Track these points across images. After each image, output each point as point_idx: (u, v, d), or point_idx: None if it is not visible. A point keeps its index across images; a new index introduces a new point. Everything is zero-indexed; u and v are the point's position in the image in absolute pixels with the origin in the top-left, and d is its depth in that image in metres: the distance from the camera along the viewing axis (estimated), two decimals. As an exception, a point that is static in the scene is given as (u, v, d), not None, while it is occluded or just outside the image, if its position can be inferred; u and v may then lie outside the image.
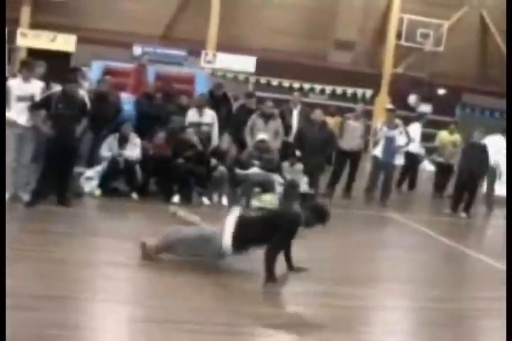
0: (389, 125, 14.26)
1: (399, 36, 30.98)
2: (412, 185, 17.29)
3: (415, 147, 16.79)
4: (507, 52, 14.71)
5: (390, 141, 14.03)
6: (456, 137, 16.45)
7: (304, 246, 9.56)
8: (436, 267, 9.27)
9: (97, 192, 11.39)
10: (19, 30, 27.40)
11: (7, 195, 10.13)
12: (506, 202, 13.02)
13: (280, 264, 7.39)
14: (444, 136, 16.71)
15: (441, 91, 31.56)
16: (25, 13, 27.73)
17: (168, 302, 6.26)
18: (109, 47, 24.99)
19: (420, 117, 18.03)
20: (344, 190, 14.54)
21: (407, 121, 16.29)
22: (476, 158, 13.53)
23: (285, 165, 12.57)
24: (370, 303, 7.10)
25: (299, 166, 12.48)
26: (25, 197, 10.16)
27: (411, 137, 14.88)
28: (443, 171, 16.77)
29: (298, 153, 12.87)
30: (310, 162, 12.72)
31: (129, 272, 7.17)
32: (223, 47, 28.75)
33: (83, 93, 11.18)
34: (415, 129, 17.03)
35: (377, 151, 14.29)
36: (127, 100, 12.71)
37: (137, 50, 27.19)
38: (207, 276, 7.22)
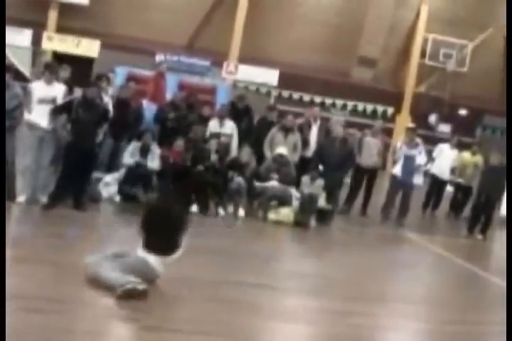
0: (409, 144, 14.20)
1: (423, 55, 30.91)
2: (435, 206, 17.15)
3: (444, 171, 16.61)
4: (507, 52, 14.60)
5: (409, 159, 13.95)
6: (478, 158, 16.26)
7: (317, 263, 9.56)
8: (450, 289, 9.19)
9: (117, 198, 11.41)
10: (45, 34, 27.55)
11: (24, 197, 10.18)
12: (506, 207, 12.88)
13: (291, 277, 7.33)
14: (465, 157, 16.59)
15: (462, 112, 31.46)
16: (52, 17, 27.87)
17: (182, 312, 6.24)
18: (133, 54, 25.05)
19: (451, 138, 17.74)
20: (361, 207, 14.47)
21: (427, 141, 16.21)
22: (493, 181, 13.45)
23: (305, 179, 12.52)
24: (382, 323, 7.04)
25: (320, 182, 12.41)
26: (43, 199, 10.19)
27: (433, 156, 14.77)
28: (462, 192, 16.68)
29: (320, 167, 12.80)
30: (329, 178, 12.65)
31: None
32: (246, 59, 28.76)
33: (107, 99, 11.23)
34: (445, 151, 16.84)
35: (396, 170, 14.20)
36: (148, 107, 12.74)
37: (160, 58, 27.26)
38: (215, 288, 7.19)
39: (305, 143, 13.62)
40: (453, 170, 16.60)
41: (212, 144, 12.07)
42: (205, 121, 12.83)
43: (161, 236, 6.80)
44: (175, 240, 6.88)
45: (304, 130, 13.89)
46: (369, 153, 14.20)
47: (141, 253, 6.77)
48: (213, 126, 12.75)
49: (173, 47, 28.16)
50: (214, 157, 11.96)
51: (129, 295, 6.17)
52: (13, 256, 7.48)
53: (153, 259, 6.72)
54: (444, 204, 17.23)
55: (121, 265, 6.62)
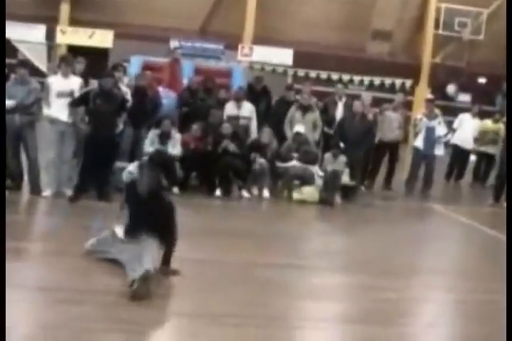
0: (429, 115, 14.16)
1: (437, 25, 30.63)
2: (459, 176, 17.09)
3: (467, 141, 16.54)
4: (507, 52, 14.46)
5: (430, 131, 13.92)
6: (500, 126, 16.10)
7: (344, 238, 9.60)
8: (477, 258, 9.19)
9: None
10: (58, 28, 27.63)
11: (50, 191, 10.30)
12: (506, 202, 12.78)
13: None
14: (487, 125, 16.48)
15: (481, 80, 31.20)
16: (64, 11, 27.94)
17: (212, 295, 6.29)
18: (147, 43, 25.05)
19: (471, 108, 17.56)
20: (384, 182, 14.46)
21: (446, 112, 16.12)
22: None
23: (328, 156, 12.50)
24: (410, 295, 7.07)
25: (342, 158, 12.37)
26: (68, 192, 10.29)
27: (453, 127, 14.68)
28: (485, 161, 16.62)
29: (341, 144, 12.77)
30: (351, 154, 12.63)
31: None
32: (260, 40, 28.68)
33: (125, 88, 11.27)
34: (466, 120, 16.77)
35: (418, 142, 14.18)
36: (165, 95, 12.76)
37: (174, 44, 27.24)
38: (245, 270, 7.25)
39: (331, 121, 13.61)
40: (476, 139, 16.53)
41: (226, 128, 12.03)
42: (223, 104, 12.84)
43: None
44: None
45: (329, 108, 13.90)
46: (390, 127, 14.18)
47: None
48: (230, 108, 12.75)
49: (187, 33, 28.14)
50: (227, 141, 11.92)
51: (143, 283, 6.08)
52: (43, 249, 7.61)
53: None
54: (468, 174, 17.18)
55: (130, 251, 6.61)
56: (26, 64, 12.13)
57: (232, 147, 11.86)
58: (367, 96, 14.95)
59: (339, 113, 13.92)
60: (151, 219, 6.74)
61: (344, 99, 14.27)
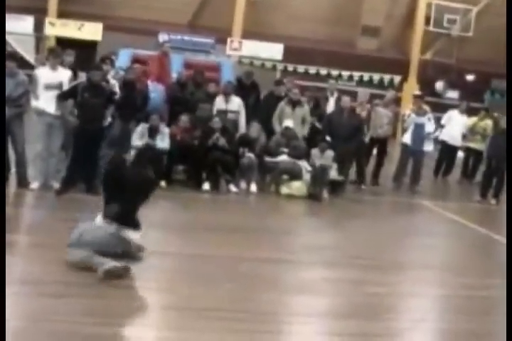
0: (417, 112, 14.18)
1: (427, 22, 30.66)
2: (447, 172, 17.11)
3: (455, 137, 16.55)
4: (507, 52, 14.48)
5: (419, 127, 13.93)
6: (487, 123, 16.11)
7: (332, 233, 9.61)
8: (466, 254, 9.21)
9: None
10: (47, 20, 27.49)
11: (37, 184, 10.25)
12: (506, 201, 12.82)
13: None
14: (474, 121, 16.51)
15: (469, 77, 31.26)
16: (53, 3, 27.79)
17: (201, 290, 6.28)
18: (136, 36, 24.95)
19: (459, 104, 17.54)
20: (372, 177, 14.46)
21: (435, 108, 16.14)
22: (503, 145, 13.33)
23: (315, 151, 12.48)
24: (399, 290, 7.09)
25: (330, 153, 12.37)
26: (56, 185, 10.25)
27: (441, 123, 14.70)
28: (473, 157, 16.64)
29: (328, 139, 12.76)
30: (340, 149, 12.62)
31: (156, 259, 7.16)
32: (250, 34, 28.64)
33: (113, 81, 11.22)
34: (454, 117, 16.76)
35: (406, 138, 14.20)
36: (154, 88, 12.71)
37: (163, 38, 27.15)
38: (233, 265, 7.24)
39: (322, 116, 13.61)
40: (464, 136, 16.55)
41: (216, 122, 12.02)
42: (211, 98, 12.81)
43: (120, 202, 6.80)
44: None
45: (321, 104, 13.90)
46: (380, 123, 14.20)
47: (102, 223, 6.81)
48: (219, 103, 12.72)
49: (176, 27, 28.06)
50: (218, 134, 11.91)
51: (112, 275, 6.18)
52: (29, 242, 7.58)
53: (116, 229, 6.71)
54: (456, 171, 17.21)
55: (96, 246, 6.57)
56: (15, 56, 12.07)
57: (221, 141, 11.83)
58: (363, 92, 14.97)
59: (330, 108, 13.93)
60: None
61: (336, 95, 14.27)
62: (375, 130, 14.16)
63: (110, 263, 6.26)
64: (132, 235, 6.77)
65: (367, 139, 14.26)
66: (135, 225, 6.85)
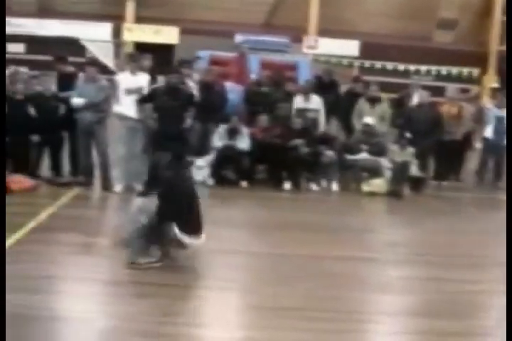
0: (498, 104, 13.90)
1: (504, 12, 29.98)
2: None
3: None
4: (507, 51, 14.11)
5: (500, 121, 13.65)
6: None
7: (413, 232, 9.51)
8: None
9: (210, 181, 11.55)
10: (124, 26, 27.95)
11: (120, 186, 10.45)
12: (506, 201, 12.43)
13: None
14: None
15: (552, 68, 30.50)
16: (130, 9, 28.24)
17: (284, 289, 6.31)
18: (212, 38, 25.16)
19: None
20: (453, 173, 14.23)
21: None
22: None
23: (394, 147, 12.39)
24: (483, 288, 6.93)
25: (410, 149, 12.26)
26: (138, 187, 10.42)
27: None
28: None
29: (408, 135, 12.63)
30: (420, 145, 12.48)
31: (238, 259, 7.23)
32: (325, 32, 28.54)
33: (192, 84, 11.36)
34: None
35: (488, 132, 13.92)
36: (232, 89, 12.81)
37: (239, 38, 27.28)
38: (314, 264, 7.25)
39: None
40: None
41: (297, 122, 12.07)
42: (290, 97, 12.84)
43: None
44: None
45: (404, 102, 13.77)
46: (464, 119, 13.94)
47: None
48: (299, 101, 12.73)
49: (251, 27, 28.14)
50: (298, 140, 11.93)
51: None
52: (113, 244, 7.72)
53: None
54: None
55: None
56: (95, 62, 12.33)
57: (301, 145, 11.86)
58: (452, 88, 14.67)
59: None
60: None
61: (419, 92, 14.06)
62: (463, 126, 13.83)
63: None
64: (187, 239, 6.71)
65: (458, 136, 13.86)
66: (191, 230, 6.77)
